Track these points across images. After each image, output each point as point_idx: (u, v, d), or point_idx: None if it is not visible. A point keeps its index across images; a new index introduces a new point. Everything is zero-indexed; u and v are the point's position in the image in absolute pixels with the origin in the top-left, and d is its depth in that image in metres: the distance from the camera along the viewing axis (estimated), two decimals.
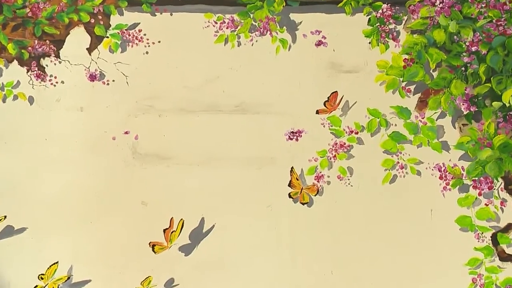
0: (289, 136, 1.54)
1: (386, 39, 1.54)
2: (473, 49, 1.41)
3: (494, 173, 1.42)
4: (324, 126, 1.55)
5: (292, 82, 1.56)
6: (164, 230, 1.48)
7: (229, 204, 1.54)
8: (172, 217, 1.48)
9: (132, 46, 1.58)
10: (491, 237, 1.48)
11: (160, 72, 1.58)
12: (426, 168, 1.52)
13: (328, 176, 1.54)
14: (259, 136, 1.55)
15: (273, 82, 1.56)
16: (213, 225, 1.53)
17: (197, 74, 1.57)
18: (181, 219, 1.49)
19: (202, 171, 1.55)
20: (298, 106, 1.55)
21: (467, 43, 1.42)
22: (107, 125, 1.57)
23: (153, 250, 1.48)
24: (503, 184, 1.50)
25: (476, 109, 1.45)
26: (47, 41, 1.56)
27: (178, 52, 1.57)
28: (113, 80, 1.58)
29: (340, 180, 1.53)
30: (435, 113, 1.52)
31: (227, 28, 1.56)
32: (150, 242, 1.48)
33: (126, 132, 1.56)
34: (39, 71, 1.56)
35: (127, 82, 1.58)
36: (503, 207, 1.49)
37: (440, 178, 1.49)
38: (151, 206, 1.55)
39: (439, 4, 1.41)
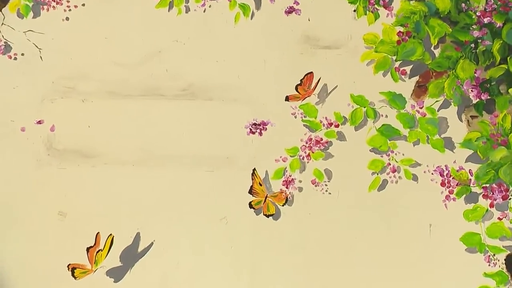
0: (251, 129, 1.40)
1: (376, 6, 1.43)
2: (486, 20, 1.35)
3: (510, 179, 1.31)
4: (295, 117, 1.41)
5: (255, 60, 1.43)
6: (88, 249, 1.32)
7: (172, 216, 1.38)
8: (98, 232, 1.33)
9: (47, 10, 1.47)
10: (505, 260, 1.34)
11: (84, 44, 1.45)
12: (425, 172, 1.38)
13: (300, 181, 1.38)
14: (211, 128, 1.41)
15: (231, 59, 1.43)
16: (152, 243, 1.38)
17: (133, 48, 1.45)
18: (110, 234, 1.33)
19: (137, 173, 1.40)
20: (262, 91, 1.42)
21: (477, 13, 1.35)
22: (14, 113, 1.42)
23: (72, 274, 1.32)
24: None
25: (489, 97, 1.34)
26: None
27: (108, 18, 1.45)
28: (23, 54, 1.46)
29: (315, 186, 1.38)
30: (437, 101, 1.39)
31: None
32: (69, 265, 1.33)
33: (39, 122, 1.42)
34: None
35: (40, 57, 1.46)
36: None
37: (442, 184, 1.36)
38: (70, 218, 1.39)
39: None
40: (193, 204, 1.39)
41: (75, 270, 1.33)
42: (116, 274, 1.37)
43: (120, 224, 1.38)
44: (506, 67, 1.34)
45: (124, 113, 1.42)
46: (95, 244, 1.33)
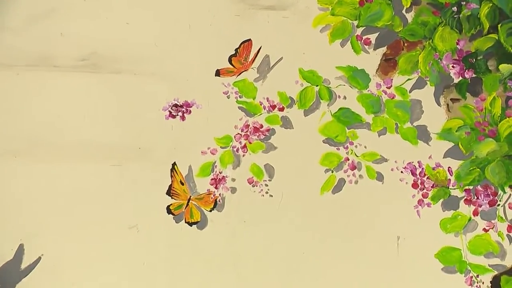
0: (170, 112, 1.30)
1: None
2: None
3: (499, 180, 1.25)
4: (228, 97, 1.31)
5: (177, 23, 1.33)
6: None
7: (66, 223, 1.29)
8: None
9: None
10: (490, 282, 1.28)
11: None
12: (392, 170, 1.29)
13: (233, 180, 1.29)
14: (119, 110, 1.31)
15: (146, 21, 1.32)
16: (39, 257, 1.27)
17: (17, 4, 1.32)
18: None
19: (21, 166, 1.29)
20: (186, 63, 1.32)
21: None
22: None
23: None
24: None
25: (474, 76, 1.29)
26: None
27: None
28: None
29: (253, 186, 1.29)
30: (409, 80, 1.31)
31: None
32: None
33: None
34: None
35: None
36: (511, 234, 1.29)
37: (414, 186, 1.29)
38: None
39: None
40: (95, 208, 1.28)
41: None
42: None
43: None
44: (496, 38, 1.26)
45: (4, 89, 1.30)
46: None
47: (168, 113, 1.30)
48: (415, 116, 1.31)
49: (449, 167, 1.29)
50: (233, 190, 1.29)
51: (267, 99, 1.31)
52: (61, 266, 1.27)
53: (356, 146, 1.31)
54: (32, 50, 1.31)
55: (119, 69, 1.31)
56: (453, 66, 1.28)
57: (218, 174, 1.29)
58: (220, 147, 1.30)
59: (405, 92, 1.31)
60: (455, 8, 1.28)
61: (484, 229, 1.29)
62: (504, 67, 1.28)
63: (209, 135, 1.30)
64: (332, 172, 1.29)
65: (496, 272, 1.29)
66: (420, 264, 1.28)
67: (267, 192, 1.29)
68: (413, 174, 1.29)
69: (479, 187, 1.28)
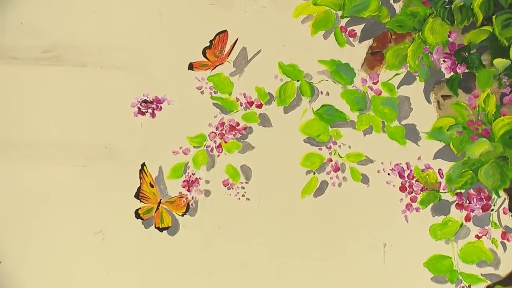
0: (140, 109, 1.26)
1: None
2: None
3: (492, 183, 1.23)
4: (202, 93, 1.27)
5: (147, 12, 1.29)
6: None
7: (24, 229, 1.25)
8: None
9: None
10: None
11: None
12: (379, 172, 1.27)
13: (208, 182, 1.25)
14: (84, 106, 1.27)
15: (113, 10, 1.28)
16: None
17: None
18: None
19: None
20: (156, 56, 1.28)
21: None
22: None
23: None
24: (507, 201, 1.28)
25: (467, 71, 1.26)
26: None
27: None
28: None
29: (229, 188, 1.26)
30: (397, 75, 1.28)
31: None
32: None
33: None
34: None
35: None
36: (506, 241, 1.27)
37: (402, 189, 1.27)
38: None
39: None
40: (56, 212, 1.24)
41: None
42: None
43: None
44: (491, 30, 1.23)
45: None
46: None
47: (137, 109, 1.26)
48: (403, 114, 1.28)
49: (440, 169, 1.27)
50: (207, 193, 1.26)
51: (244, 95, 1.27)
52: (20, 274, 1.24)
53: (339, 146, 1.28)
54: None
55: (85, 61, 1.26)
56: (444, 60, 1.26)
57: (190, 176, 1.26)
58: (193, 146, 1.27)
59: (393, 88, 1.28)
60: None
61: (477, 236, 1.27)
62: (498, 62, 1.25)
63: (181, 134, 1.26)
64: (314, 174, 1.27)
65: (489, 282, 1.27)
66: (408, 273, 1.26)
67: (243, 195, 1.26)
68: (401, 176, 1.27)
69: (471, 191, 1.26)
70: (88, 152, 1.25)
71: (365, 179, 1.26)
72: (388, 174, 1.26)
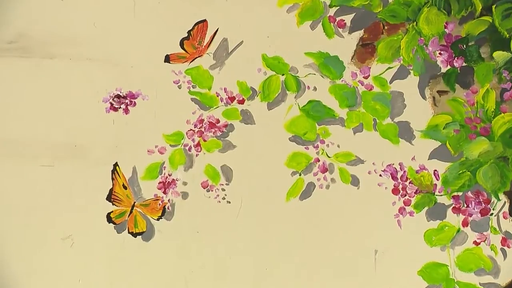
0: (112, 104, 1.24)
1: None
2: None
3: (492, 185, 1.22)
4: (179, 87, 1.25)
5: (120, 1, 1.27)
6: None
7: None
8: None
9: None
10: None
11: None
12: (370, 173, 1.25)
13: (185, 183, 1.24)
14: (52, 101, 1.25)
15: None
16: None
17: None
18: None
19: None
20: (130, 47, 1.26)
21: None
22: None
23: None
24: (507, 205, 1.26)
25: (465, 64, 1.24)
26: None
27: None
28: None
29: (208, 191, 1.24)
30: (389, 68, 1.26)
31: None
32: None
33: None
34: None
35: None
36: (506, 248, 1.25)
37: (395, 191, 1.25)
38: None
39: None
40: (21, 216, 1.22)
41: None
42: None
43: None
44: (491, 20, 1.21)
45: None
46: None
47: (109, 105, 1.23)
48: (396, 111, 1.26)
49: (435, 170, 1.25)
50: (185, 195, 1.23)
51: (225, 89, 1.25)
52: None
53: (327, 145, 1.25)
54: None
55: (52, 53, 1.24)
56: (440, 53, 1.24)
57: (167, 177, 1.24)
58: (170, 145, 1.25)
59: (385, 82, 1.25)
60: None
61: (475, 242, 1.25)
62: (499, 55, 1.23)
63: (157, 131, 1.24)
64: (300, 175, 1.25)
65: None
66: (401, 282, 1.24)
67: (224, 198, 1.24)
68: (394, 178, 1.25)
69: (469, 194, 1.24)
70: (55, 151, 1.23)
71: (355, 181, 1.24)
72: (380, 175, 1.25)
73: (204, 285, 1.22)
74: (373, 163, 1.24)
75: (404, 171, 1.25)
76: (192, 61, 1.25)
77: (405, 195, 1.25)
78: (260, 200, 1.24)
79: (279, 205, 1.23)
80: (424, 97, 1.26)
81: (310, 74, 1.26)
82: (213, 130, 1.24)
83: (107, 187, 1.22)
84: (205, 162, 1.24)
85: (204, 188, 1.23)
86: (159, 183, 1.23)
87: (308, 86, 1.25)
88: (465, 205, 1.24)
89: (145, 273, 1.22)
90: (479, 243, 1.24)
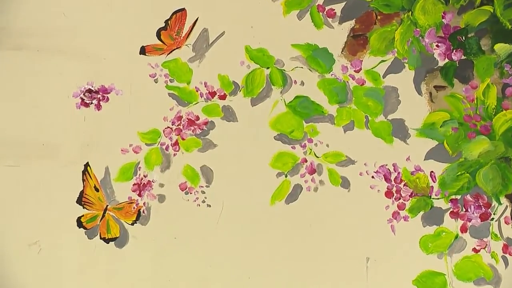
0: (83, 100, 1.22)
1: None
2: None
3: (493, 188, 1.19)
4: (156, 81, 1.24)
5: None
6: None
7: None
8: None
9: None
10: None
11: None
12: (361, 174, 1.24)
13: (162, 185, 1.23)
14: (19, 96, 1.23)
15: None
16: None
17: None
18: None
19: None
20: (103, 38, 1.25)
21: None
22: None
23: None
24: (509, 209, 1.22)
25: (464, 57, 1.22)
26: None
27: None
28: None
29: (187, 193, 1.23)
30: (383, 62, 1.25)
31: None
32: None
33: None
34: None
35: None
36: (507, 255, 1.22)
37: (388, 194, 1.24)
38: None
39: None
40: None
41: None
42: None
43: None
44: (492, 10, 1.20)
45: None
46: None
47: (80, 100, 1.23)
48: (390, 108, 1.25)
49: (432, 171, 1.24)
50: (161, 198, 1.22)
51: (205, 84, 1.23)
52: None
53: (316, 145, 1.24)
54: None
55: (20, 44, 1.23)
56: (437, 45, 1.24)
57: (142, 178, 1.23)
58: (145, 144, 1.24)
59: (378, 77, 1.25)
60: None
61: (474, 249, 1.22)
62: (500, 48, 1.22)
63: (132, 129, 1.23)
64: (286, 176, 1.24)
65: None
66: None
67: (203, 201, 1.22)
68: (387, 180, 1.25)
69: (468, 197, 1.22)
70: (21, 150, 1.22)
71: (345, 183, 1.23)
72: (372, 177, 1.24)
73: None
74: (365, 164, 1.23)
75: (398, 173, 1.23)
76: (169, 53, 1.24)
77: (399, 199, 1.23)
78: (242, 204, 1.22)
79: (263, 209, 1.21)
80: (420, 92, 1.24)
81: (297, 67, 1.25)
82: (192, 127, 1.23)
83: (77, 189, 1.20)
84: (183, 162, 1.23)
85: (183, 191, 1.22)
86: (133, 184, 1.22)
87: (295, 81, 1.24)
88: (464, 210, 1.22)
89: (118, 282, 1.19)
90: (479, 250, 1.22)
